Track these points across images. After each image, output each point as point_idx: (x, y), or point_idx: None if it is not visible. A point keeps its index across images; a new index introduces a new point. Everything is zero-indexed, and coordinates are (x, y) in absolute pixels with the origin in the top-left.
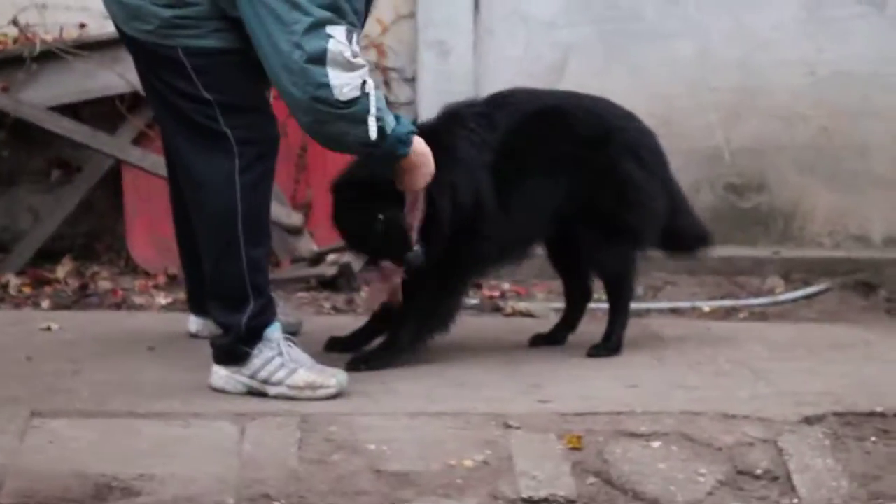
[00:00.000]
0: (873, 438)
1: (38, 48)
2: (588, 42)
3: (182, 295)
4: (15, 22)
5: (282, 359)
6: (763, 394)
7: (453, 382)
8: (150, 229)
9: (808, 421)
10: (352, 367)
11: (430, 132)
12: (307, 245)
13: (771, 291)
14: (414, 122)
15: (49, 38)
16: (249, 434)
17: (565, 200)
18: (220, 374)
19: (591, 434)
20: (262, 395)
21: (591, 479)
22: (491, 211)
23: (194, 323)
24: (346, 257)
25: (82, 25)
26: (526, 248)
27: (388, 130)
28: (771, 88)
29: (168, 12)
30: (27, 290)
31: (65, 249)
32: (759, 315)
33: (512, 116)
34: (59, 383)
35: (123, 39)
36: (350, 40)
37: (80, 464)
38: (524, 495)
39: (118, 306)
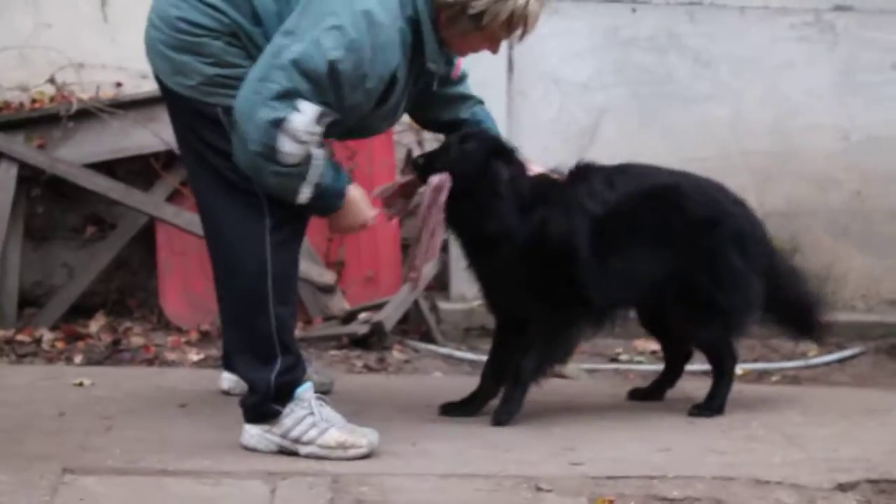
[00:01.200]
0: None
1: (75, 106)
2: (621, 105)
3: (214, 351)
4: (52, 80)
5: (313, 418)
6: (796, 459)
7: (485, 444)
8: (182, 286)
9: (842, 488)
10: (497, 422)
11: (551, 180)
12: (339, 303)
13: (804, 355)
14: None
15: (85, 96)
16: (280, 494)
17: (666, 273)
18: (252, 433)
19: (623, 498)
20: (293, 454)
21: None
22: (586, 258)
23: (227, 380)
24: (378, 316)
25: (118, 84)
26: (622, 310)
27: (323, 188)
28: (804, 152)
29: (212, 70)
30: (60, 346)
31: (98, 305)
32: (792, 378)
33: (630, 184)
34: (91, 440)
35: (164, 94)
36: (317, 121)
37: None
38: None
39: (150, 362)
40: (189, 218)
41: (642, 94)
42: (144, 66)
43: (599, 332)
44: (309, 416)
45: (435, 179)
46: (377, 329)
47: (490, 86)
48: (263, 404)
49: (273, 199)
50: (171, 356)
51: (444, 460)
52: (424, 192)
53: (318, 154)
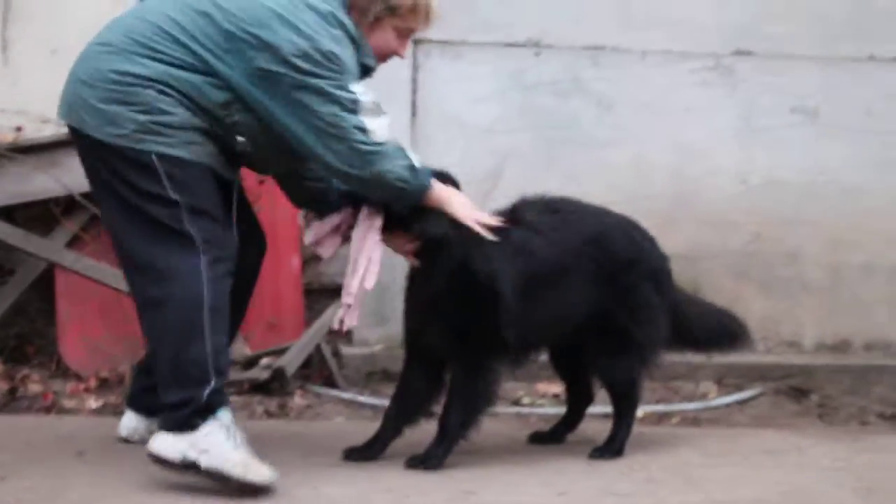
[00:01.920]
0: None
1: None
2: (525, 148)
3: (113, 398)
4: None
5: (226, 435)
6: (694, 501)
7: (385, 488)
8: (82, 332)
9: None
10: (411, 466)
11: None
12: (240, 349)
13: (704, 396)
14: None
15: None
16: None
17: (587, 313)
18: (165, 439)
19: None
20: (193, 465)
21: None
22: (510, 301)
23: (125, 428)
24: (280, 361)
25: (18, 129)
26: (543, 346)
27: (417, 167)
28: (704, 196)
29: (144, 118)
30: None
31: None
32: (693, 420)
33: (561, 229)
34: None
35: (86, 147)
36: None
37: None
38: None
39: (48, 410)
40: (89, 264)
41: (546, 137)
42: (45, 110)
43: (521, 363)
44: (223, 432)
45: (366, 208)
46: (278, 374)
47: (393, 129)
48: (189, 417)
49: (205, 240)
50: (69, 403)
51: None
52: (359, 220)
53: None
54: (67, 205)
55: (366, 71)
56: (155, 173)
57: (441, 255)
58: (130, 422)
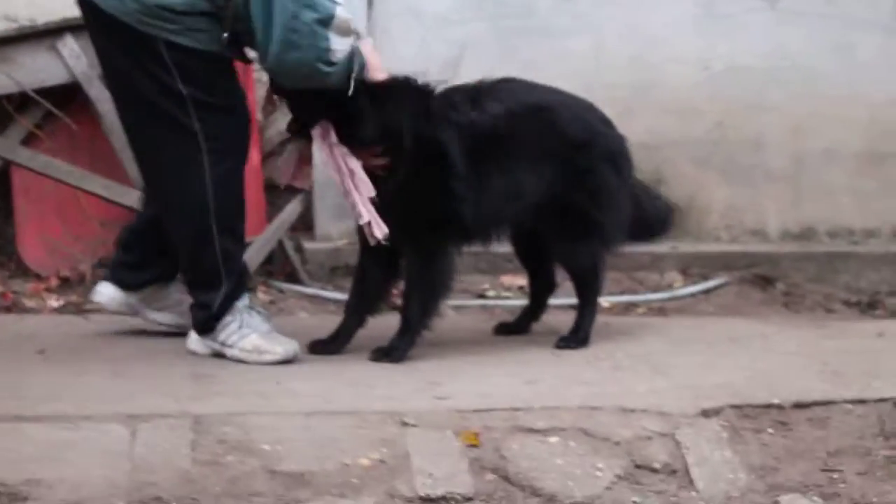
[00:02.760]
0: (770, 430)
1: None
2: (482, 38)
3: (74, 297)
4: None
5: (237, 324)
6: (661, 388)
7: (350, 381)
8: (40, 231)
9: (706, 414)
10: (375, 358)
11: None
12: None
13: (669, 286)
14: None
15: None
16: (141, 436)
17: (544, 193)
18: (193, 338)
19: (489, 430)
20: (222, 356)
21: (489, 476)
22: (461, 172)
23: (103, 294)
24: None
25: None
26: (499, 227)
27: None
28: (665, 84)
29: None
30: None
31: None
32: (658, 310)
33: (505, 100)
34: None
35: (98, 22)
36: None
37: None
38: (421, 493)
39: (8, 310)
40: (45, 161)
41: (503, 27)
42: None
43: (475, 243)
44: (234, 322)
45: (317, 131)
46: None
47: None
48: (207, 321)
49: (211, 135)
50: (29, 303)
51: (308, 398)
52: (315, 142)
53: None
54: (21, 101)
55: None
56: (163, 62)
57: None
58: (107, 289)
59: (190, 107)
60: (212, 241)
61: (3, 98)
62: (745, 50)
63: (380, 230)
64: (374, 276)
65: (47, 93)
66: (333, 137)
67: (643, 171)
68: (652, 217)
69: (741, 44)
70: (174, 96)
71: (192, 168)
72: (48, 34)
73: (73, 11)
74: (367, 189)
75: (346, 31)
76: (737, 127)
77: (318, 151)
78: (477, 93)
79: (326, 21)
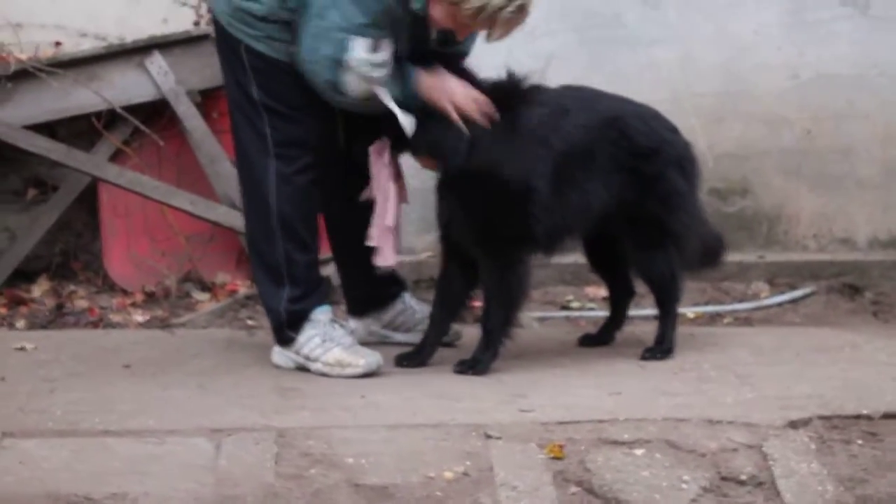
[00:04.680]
0: (859, 441)
1: (13, 67)
2: (568, 50)
3: (160, 312)
4: None
5: (321, 338)
6: (748, 399)
7: (434, 394)
8: (127, 247)
9: (794, 425)
10: (459, 371)
11: (502, 89)
12: None
13: (756, 296)
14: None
15: (24, 56)
16: (225, 450)
17: (614, 203)
18: (275, 351)
19: (573, 443)
20: (306, 369)
21: (573, 489)
22: (544, 196)
23: (351, 322)
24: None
25: (57, 44)
26: (571, 238)
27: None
28: (754, 92)
29: (236, 2)
30: (2, 311)
31: (41, 269)
32: (744, 320)
33: (581, 115)
34: (32, 403)
35: (217, 31)
36: (375, 49)
37: (51, 484)
38: None
39: (95, 325)
40: (132, 178)
41: (589, 38)
42: (84, 24)
43: (549, 255)
44: (317, 336)
45: (374, 147)
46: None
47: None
48: (280, 330)
49: (281, 142)
50: (115, 318)
51: (392, 411)
52: (370, 159)
53: (381, 89)
54: (109, 118)
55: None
56: (244, 66)
57: (469, 158)
58: (354, 320)
59: (262, 112)
60: (274, 242)
61: (92, 116)
62: (834, 57)
63: (383, 260)
64: (456, 286)
65: (135, 110)
66: (386, 157)
67: (731, 180)
68: (707, 245)
69: (830, 51)
70: (251, 101)
71: (261, 171)
72: (136, 52)
73: (161, 29)
74: (391, 217)
75: (364, 77)
76: (826, 135)
77: (371, 166)
78: (553, 105)
79: (339, 61)
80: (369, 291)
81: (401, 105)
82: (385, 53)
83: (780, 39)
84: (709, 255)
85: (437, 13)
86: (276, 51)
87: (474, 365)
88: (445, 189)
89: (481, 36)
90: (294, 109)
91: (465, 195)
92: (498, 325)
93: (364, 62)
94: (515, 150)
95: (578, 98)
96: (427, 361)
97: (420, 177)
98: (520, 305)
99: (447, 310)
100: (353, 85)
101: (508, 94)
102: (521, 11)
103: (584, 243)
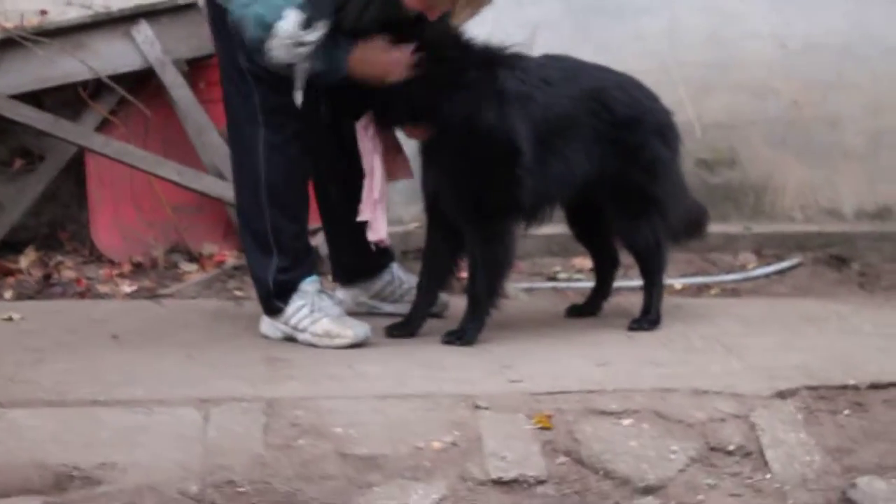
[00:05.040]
0: (847, 412)
1: None
2: (555, 19)
3: (147, 283)
4: None
5: (309, 308)
6: (735, 369)
7: (422, 364)
8: (114, 217)
9: (781, 395)
10: (447, 341)
11: (484, 55)
12: None
13: (743, 267)
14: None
15: (9, 25)
16: (214, 420)
17: (597, 172)
18: (264, 321)
19: (562, 413)
20: (293, 339)
21: (562, 459)
22: (528, 160)
23: (339, 292)
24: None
25: (43, 12)
26: (553, 207)
27: (319, 72)
28: (741, 62)
29: None
30: None
31: (28, 239)
32: (731, 291)
33: (563, 84)
34: (20, 373)
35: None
36: (306, 27)
37: (40, 454)
38: (493, 476)
39: (82, 295)
40: (119, 148)
41: (576, 7)
42: None
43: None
44: (305, 306)
45: (361, 123)
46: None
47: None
48: (268, 300)
49: (268, 107)
50: (103, 289)
51: (380, 382)
52: (357, 134)
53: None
54: (95, 88)
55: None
56: (229, 33)
57: (453, 121)
58: (343, 289)
59: (250, 79)
60: (263, 211)
61: (78, 85)
62: (822, 27)
63: (375, 234)
64: (442, 255)
65: (121, 79)
66: (372, 132)
67: (718, 149)
68: (689, 215)
69: (818, 21)
70: (238, 69)
71: (250, 140)
72: (123, 20)
73: None
74: (380, 192)
75: (285, 46)
76: (813, 105)
77: (359, 141)
78: (535, 73)
79: (267, 25)
80: (358, 261)
81: (326, 76)
82: (315, 35)
83: (768, 8)
84: (693, 225)
85: None
86: None
87: (462, 335)
88: (429, 157)
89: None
90: (281, 77)
91: (450, 161)
92: (484, 295)
93: (290, 35)
94: (500, 112)
95: (560, 68)
96: (417, 332)
97: (407, 146)
98: (506, 274)
99: (434, 279)
100: (275, 51)
101: (489, 58)
102: None
103: (567, 213)
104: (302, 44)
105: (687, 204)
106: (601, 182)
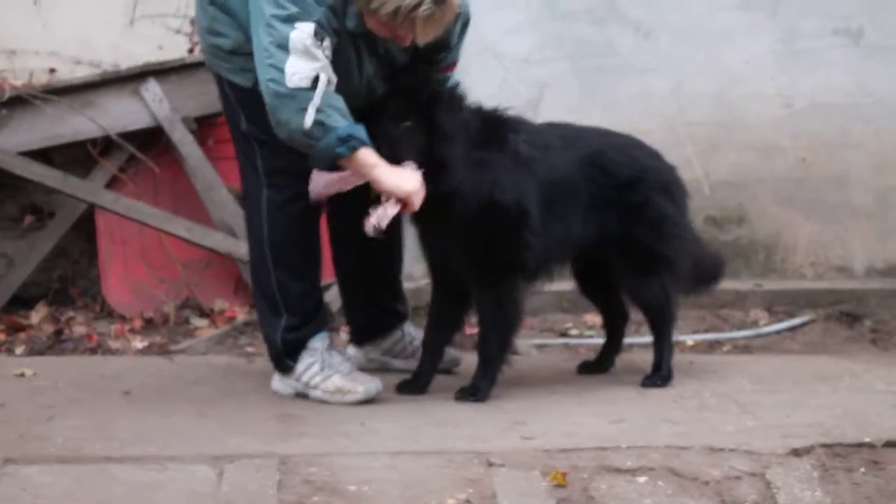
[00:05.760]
0: (862, 470)
1: (8, 94)
2: (563, 78)
3: (158, 338)
4: None
5: (319, 365)
6: (749, 427)
7: (435, 421)
8: (124, 273)
9: (796, 453)
10: (460, 398)
11: (490, 118)
12: None
13: (754, 324)
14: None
15: (18, 83)
16: (227, 477)
17: (596, 233)
18: (276, 378)
19: (576, 470)
20: (306, 396)
21: None
22: (536, 222)
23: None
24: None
25: (52, 70)
26: (559, 267)
27: (329, 126)
28: (748, 121)
29: (210, 39)
30: (1, 337)
31: (39, 295)
32: (743, 348)
33: (565, 147)
34: (33, 430)
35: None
36: (316, 36)
37: None
38: None
39: (93, 351)
40: (129, 204)
41: (583, 66)
42: (78, 51)
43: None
44: (316, 363)
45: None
46: None
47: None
48: (278, 359)
49: (269, 168)
50: (114, 344)
51: (393, 438)
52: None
53: (324, 79)
54: (105, 145)
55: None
56: (230, 100)
57: (462, 182)
58: (355, 349)
59: (253, 143)
60: (268, 272)
61: (88, 142)
62: (827, 86)
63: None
64: (447, 312)
65: (131, 137)
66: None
67: (727, 208)
68: (704, 266)
69: (823, 80)
70: (242, 133)
71: (254, 200)
72: (131, 79)
73: (156, 56)
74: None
75: (304, 53)
76: (820, 164)
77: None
78: (536, 141)
79: (280, 43)
80: (370, 322)
81: (323, 135)
82: (325, 51)
83: (772, 69)
84: (707, 274)
85: (371, 25)
86: (252, 81)
87: (475, 392)
88: (436, 218)
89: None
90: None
91: (462, 223)
92: (496, 352)
93: (307, 39)
94: (514, 176)
95: (559, 136)
96: (426, 388)
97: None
98: (516, 331)
99: (440, 337)
100: (294, 67)
101: (492, 122)
102: (442, 5)
103: (574, 271)
104: (316, 55)
105: (698, 253)
106: (605, 242)
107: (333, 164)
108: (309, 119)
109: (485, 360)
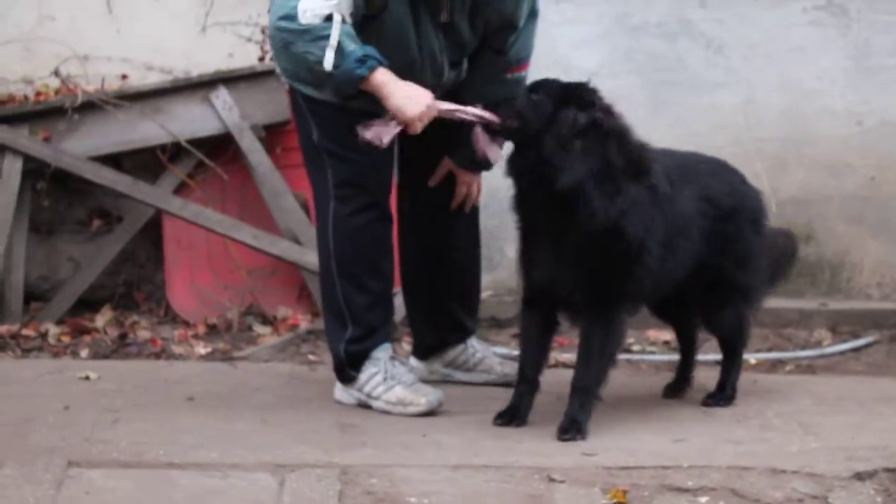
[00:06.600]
0: None
1: (80, 99)
2: (632, 92)
3: (222, 344)
4: (57, 73)
5: (382, 376)
6: (812, 448)
7: (496, 435)
8: (190, 279)
9: (860, 476)
10: (566, 438)
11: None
12: None
13: (818, 344)
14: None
15: (90, 88)
16: (289, 486)
17: (697, 264)
18: (338, 387)
19: (637, 488)
20: (368, 406)
21: None
22: (654, 255)
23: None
24: None
25: (124, 76)
26: (661, 295)
27: (346, 51)
28: (817, 138)
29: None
30: (66, 340)
31: (105, 299)
32: (806, 368)
33: (682, 179)
34: (97, 433)
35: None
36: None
37: None
38: None
39: (157, 356)
40: (196, 210)
41: (653, 81)
42: (150, 57)
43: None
44: (379, 374)
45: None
46: None
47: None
48: (341, 370)
49: (338, 180)
50: (177, 350)
51: (454, 451)
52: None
53: (338, 17)
54: (174, 151)
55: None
56: (303, 113)
57: (583, 211)
58: (417, 362)
59: (324, 155)
60: (334, 284)
61: (157, 148)
62: None
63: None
64: (540, 341)
65: (200, 143)
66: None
67: (794, 225)
68: (779, 252)
69: (894, 98)
70: (313, 144)
71: (323, 213)
72: (202, 86)
73: (227, 64)
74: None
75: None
76: (890, 182)
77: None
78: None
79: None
80: (435, 337)
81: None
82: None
83: (843, 85)
84: (783, 257)
85: None
86: (324, 93)
87: (578, 429)
88: (556, 247)
89: None
90: (349, 150)
91: (586, 255)
92: (593, 383)
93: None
94: (647, 215)
95: (675, 166)
96: (526, 421)
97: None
98: (615, 363)
99: (534, 366)
100: (306, 4)
101: (636, 149)
102: None
103: None
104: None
105: (774, 255)
106: (694, 274)
107: (356, 89)
108: (328, 59)
109: (583, 390)
